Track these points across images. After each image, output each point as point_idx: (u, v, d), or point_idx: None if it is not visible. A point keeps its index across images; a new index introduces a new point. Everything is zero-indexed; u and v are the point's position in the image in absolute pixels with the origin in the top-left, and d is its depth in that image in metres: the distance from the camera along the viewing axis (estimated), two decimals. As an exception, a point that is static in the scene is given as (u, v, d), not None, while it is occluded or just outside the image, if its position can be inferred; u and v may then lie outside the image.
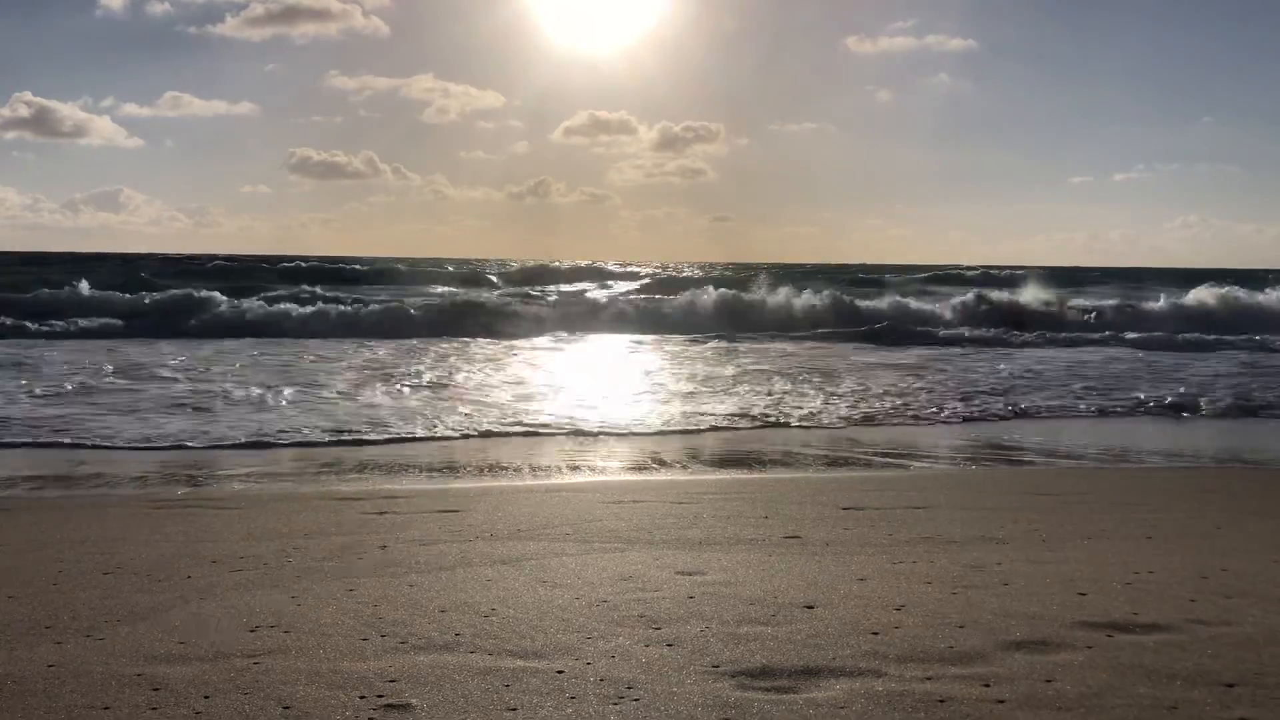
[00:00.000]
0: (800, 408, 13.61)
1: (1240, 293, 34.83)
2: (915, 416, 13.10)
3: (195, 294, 30.13)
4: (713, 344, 25.57)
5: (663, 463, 9.82)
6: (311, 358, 20.30)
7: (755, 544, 5.86)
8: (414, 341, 24.40)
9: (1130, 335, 27.79)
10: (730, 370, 18.94)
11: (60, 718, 3.36)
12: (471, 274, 48.92)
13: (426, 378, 16.80)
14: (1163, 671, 3.73)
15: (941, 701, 3.46)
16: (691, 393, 15.30)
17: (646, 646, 3.99)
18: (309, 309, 29.09)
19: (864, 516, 6.75)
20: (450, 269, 52.03)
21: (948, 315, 32.54)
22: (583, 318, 30.29)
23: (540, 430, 11.58)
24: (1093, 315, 32.58)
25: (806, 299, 32.74)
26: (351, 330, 26.51)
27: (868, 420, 12.75)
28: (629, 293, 37.15)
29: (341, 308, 29.56)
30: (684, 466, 9.66)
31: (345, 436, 10.96)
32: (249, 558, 5.54)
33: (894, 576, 5.07)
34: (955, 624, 4.26)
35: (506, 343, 24.96)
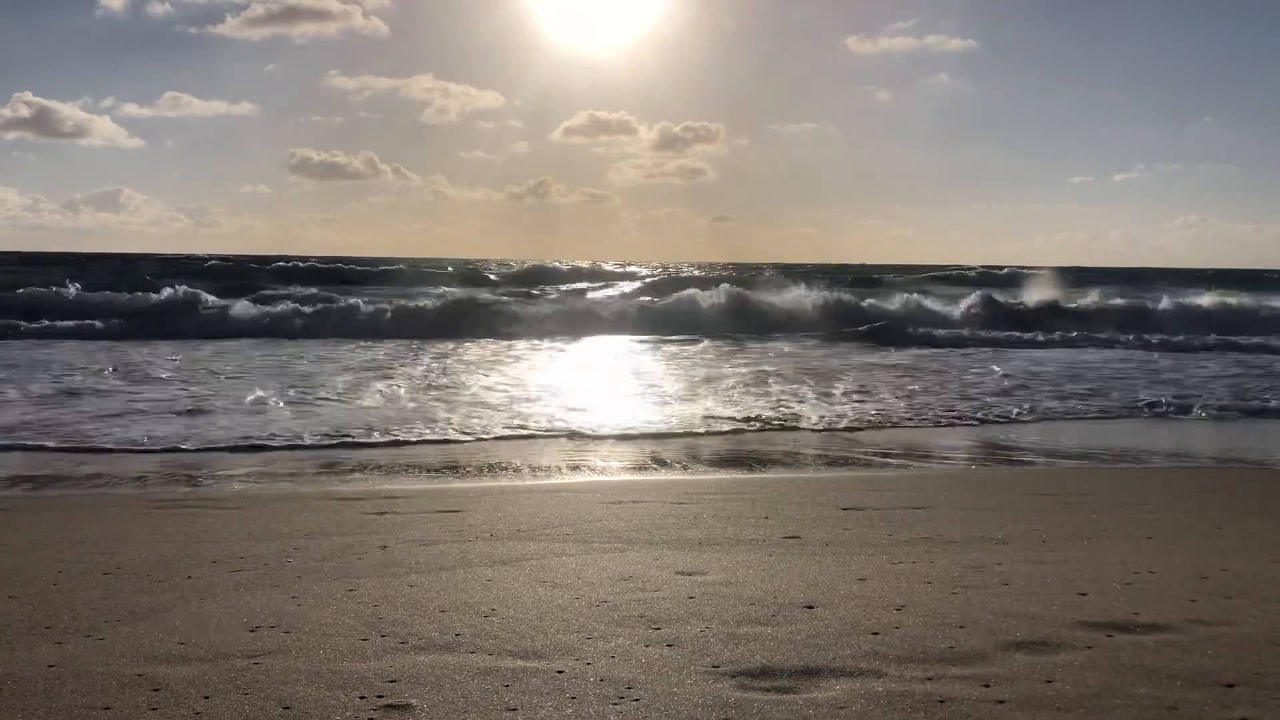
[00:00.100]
0: (800, 409, 13.61)
1: (1245, 298, 34.95)
2: (916, 417, 13.10)
3: (188, 294, 30.10)
4: (713, 345, 25.56)
5: (663, 463, 9.82)
6: (308, 359, 20.29)
7: (755, 544, 5.86)
8: (413, 342, 24.39)
9: (1132, 336, 27.82)
10: (729, 371, 18.93)
11: (60, 718, 3.36)
12: (471, 274, 48.89)
13: (424, 379, 16.80)
14: (1163, 672, 3.73)
15: (941, 702, 3.46)
16: (691, 394, 15.29)
17: (646, 646, 3.99)
18: (307, 309, 29.07)
19: (864, 516, 6.75)
20: (450, 269, 52.01)
21: (950, 315, 32.55)
22: (582, 318, 30.27)
23: (539, 432, 11.57)
24: (1097, 316, 32.58)
25: (807, 299, 32.75)
26: (351, 331, 26.49)
27: (868, 421, 12.75)
28: (629, 293, 37.14)
29: (343, 304, 29.56)
30: (684, 466, 9.66)
31: (343, 439, 10.95)
32: (249, 558, 5.54)
33: (894, 577, 5.07)
34: (955, 624, 4.26)
35: (505, 343, 24.95)
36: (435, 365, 19.17)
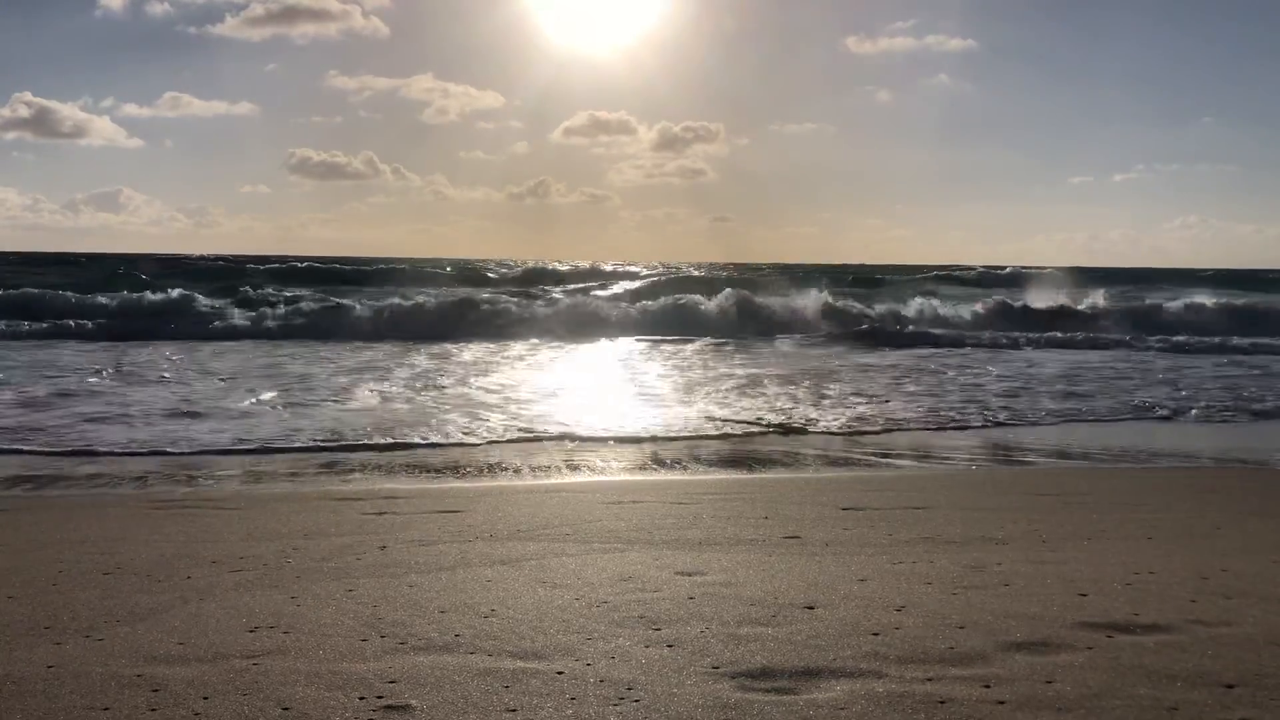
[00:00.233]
0: (800, 409, 13.61)
1: (1245, 298, 35.01)
2: (916, 418, 13.10)
3: (184, 296, 30.09)
4: (713, 345, 25.57)
5: (663, 463, 9.82)
6: (306, 360, 20.29)
7: (755, 544, 5.86)
8: (412, 343, 24.38)
9: (1130, 337, 27.83)
10: (729, 372, 18.93)
11: (60, 718, 3.36)
12: (471, 274, 48.86)
13: (424, 380, 16.79)
14: (1163, 672, 3.73)
15: (942, 702, 3.45)
16: (690, 395, 15.30)
17: (646, 647, 3.99)
18: (306, 310, 29.06)
19: (864, 516, 6.75)
20: (449, 269, 51.98)
21: (951, 316, 32.57)
22: (582, 319, 30.26)
23: (539, 432, 11.57)
24: (1098, 317, 32.58)
25: (807, 300, 32.76)
26: (350, 332, 26.47)
27: (869, 421, 12.74)
28: (628, 294, 37.10)
29: (341, 305, 29.54)
30: (684, 466, 9.66)
31: (342, 441, 10.94)
32: (249, 558, 5.54)
33: (894, 577, 5.07)
34: (955, 625, 4.26)
35: (504, 344, 24.95)
36: (433, 366, 19.17)
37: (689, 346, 25.05)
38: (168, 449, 10.26)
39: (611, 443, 11.00)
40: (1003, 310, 33.19)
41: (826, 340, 27.16)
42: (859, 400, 14.58)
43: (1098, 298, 35.45)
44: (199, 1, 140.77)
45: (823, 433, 11.86)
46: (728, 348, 24.66)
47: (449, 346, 23.62)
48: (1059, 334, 28.18)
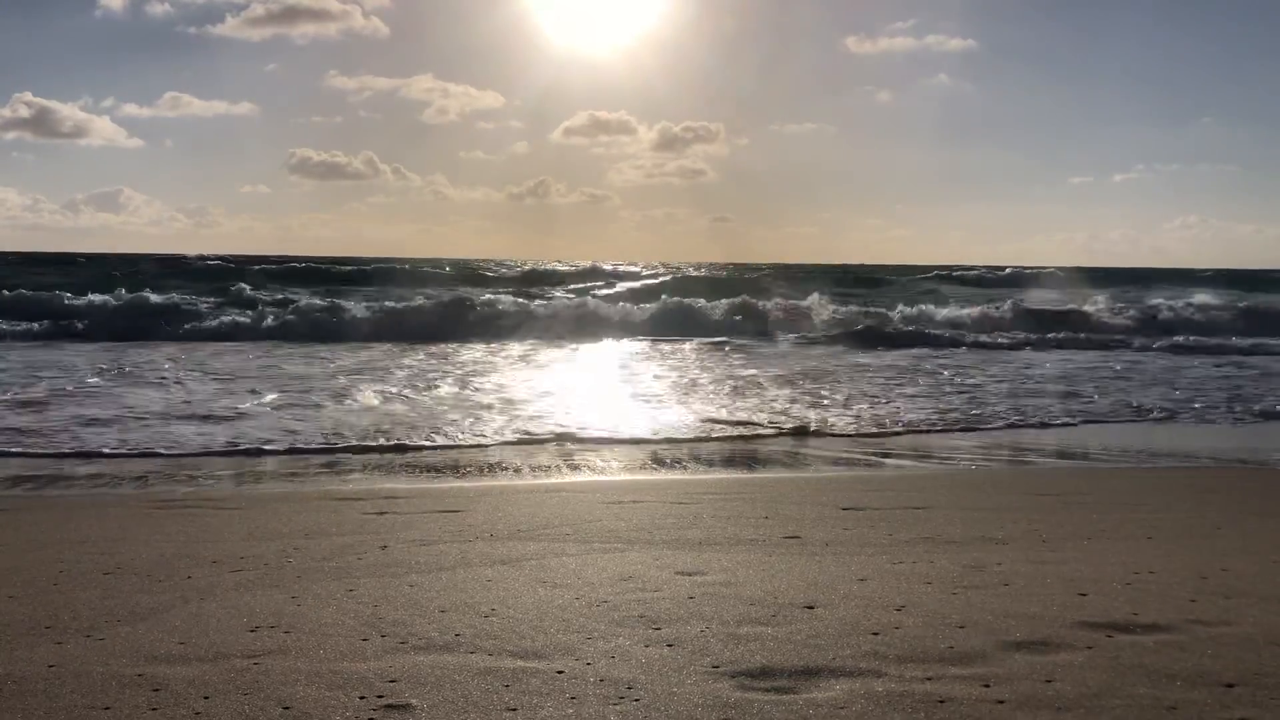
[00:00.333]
0: (800, 410, 13.61)
1: (1244, 298, 35.03)
2: (916, 418, 13.10)
3: (184, 296, 30.05)
4: (713, 346, 25.58)
5: (662, 462, 9.83)
6: (304, 360, 20.29)
7: (755, 544, 5.86)
8: (411, 343, 24.37)
9: (1126, 337, 27.83)
10: (728, 373, 18.93)
11: (60, 718, 3.36)
12: (471, 274, 48.86)
13: (422, 381, 16.79)
14: (1163, 672, 3.73)
15: (941, 702, 3.46)
16: (689, 397, 15.30)
17: (646, 647, 3.99)
18: (305, 310, 29.04)
19: (864, 516, 6.75)
20: (449, 270, 51.98)
21: (952, 316, 32.57)
22: (582, 319, 30.25)
23: (538, 433, 11.57)
24: (1104, 317, 32.57)
25: (806, 300, 32.78)
26: (349, 333, 26.43)
27: (869, 422, 12.74)
28: (628, 294, 37.10)
29: (340, 305, 29.52)
30: (684, 466, 9.66)
31: (341, 442, 10.95)
32: (249, 558, 5.54)
33: (894, 576, 5.08)
34: (955, 624, 4.27)
35: (505, 344, 24.95)
36: (433, 366, 19.17)
37: (686, 345, 25.06)
38: (168, 449, 10.26)
39: (611, 443, 11.00)
40: (1003, 310, 33.18)
41: (825, 341, 27.16)
42: (858, 400, 14.58)
43: (1098, 298, 35.46)
44: (199, 1, 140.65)
45: (823, 433, 11.86)
46: (727, 348, 24.68)
47: (449, 347, 23.62)
48: (1058, 334, 28.16)
